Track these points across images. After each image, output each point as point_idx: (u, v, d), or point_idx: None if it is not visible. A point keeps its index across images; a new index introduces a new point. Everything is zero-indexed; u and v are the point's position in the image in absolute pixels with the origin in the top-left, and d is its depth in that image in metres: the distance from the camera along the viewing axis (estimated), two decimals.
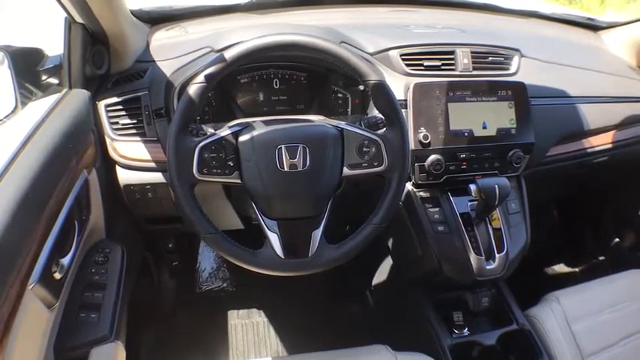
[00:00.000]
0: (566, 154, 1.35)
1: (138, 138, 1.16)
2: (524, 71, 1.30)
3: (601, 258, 1.82)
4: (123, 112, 1.15)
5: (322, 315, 1.69)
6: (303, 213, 0.98)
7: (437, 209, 1.21)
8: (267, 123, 0.99)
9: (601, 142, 1.40)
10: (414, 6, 1.51)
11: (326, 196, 0.99)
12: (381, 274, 1.55)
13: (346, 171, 0.99)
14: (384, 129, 1.01)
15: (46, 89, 1.13)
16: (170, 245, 1.65)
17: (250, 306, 1.67)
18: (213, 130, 1.01)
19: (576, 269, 1.89)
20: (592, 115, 1.37)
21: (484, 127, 1.21)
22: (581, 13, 1.69)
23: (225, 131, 0.96)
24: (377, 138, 0.99)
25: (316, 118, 1.09)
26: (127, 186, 1.20)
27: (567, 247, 1.92)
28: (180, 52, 1.21)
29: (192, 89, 0.93)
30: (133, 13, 1.29)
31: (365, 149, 0.99)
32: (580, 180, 1.55)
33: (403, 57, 1.22)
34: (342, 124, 1.02)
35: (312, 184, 0.97)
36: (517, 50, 1.31)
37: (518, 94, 1.23)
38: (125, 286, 1.11)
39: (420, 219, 1.19)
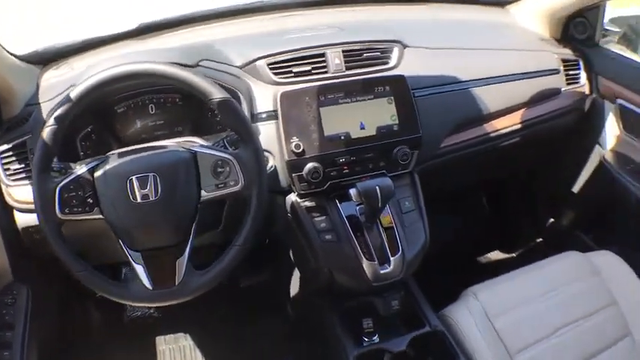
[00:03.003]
0: (465, 142, 1.29)
1: (27, 182, 1.16)
2: (407, 63, 1.25)
3: (538, 240, 1.74)
4: (13, 158, 1.16)
5: (247, 330, 1.68)
6: (164, 242, 0.98)
7: (323, 217, 1.17)
8: (120, 155, 0.99)
9: (508, 123, 1.34)
10: (300, 9, 1.46)
11: (186, 222, 0.98)
12: (295, 286, 1.52)
13: (204, 194, 0.98)
14: (239, 147, 1.00)
15: None
16: None
17: (177, 329, 1.67)
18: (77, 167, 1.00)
19: (514, 255, 1.81)
20: (494, 97, 1.32)
21: (362, 128, 1.16)
22: None
23: (82, 169, 0.96)
24: (229, 157, 0.97)
25: (171, 143, 1.08)
26: (25, 229, 1.21)
27: (503, 233, 1.84)
28: (57, 92, 1.21)
29: (45, 132, 0.94)
30: (21, 57, 1.30)
31: (219, 170, 0.98)
32: (497, 164, 1.49)
33: (271, 66, 1.18)
34: (196, 145, 1.01)
35: (168, 212, 0.96)
36: (397, 42, 1.26)
37: (398, 88, 1.18)
38: (34, 325, 1.15)
39: (306, 230, 1.16)
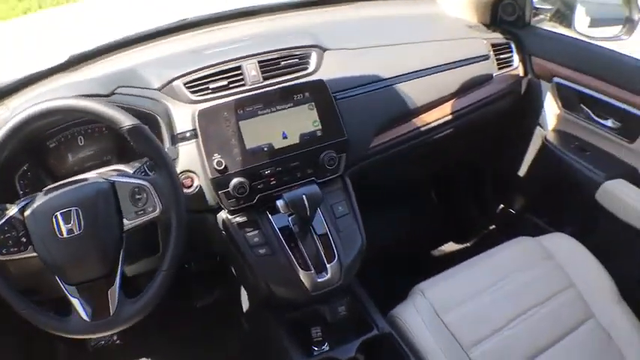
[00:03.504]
0: (397, 138, 1.27)
1: None
2: (327, 66, 1.23)
3: (492, 228, 1.72)
4: None
5: (205, 349, 1.67)
6: (95, 274, 0.98)
7: (256, 232, 1.15)
8: (46, 192, 0.99)
9: (440, 114, 1.33)
10: (221, 23, 1.44)
11: (112, 252, 0.98)
12: (246, 301, 1.51)
13: (126, 222, 0.97)
14: (155, 172, 1.00)
15: None
16: None
17: (140, 355, 1.66)
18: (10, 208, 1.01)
19: (468, 244, 1.79)
20: (423, 90, 1.30)
21: (285, 137, 1.15)
22: None
23: (13, 210, 0.96)
24: (145, 183, 0.97)
25: (93, 175, 1.08)
26: None
27: (455, 225, 1.82)
28: None
29: None
30: None
31: (137, 197, 0.97)
32: (436, 156, 1.47)
33: (187, 85, 1.17)
34: (115, 175, 1.01)
35: (93, 244, 0.96)
36: (315, 46, 1.25)
37: (318, 93, 1.17)
38: None
39: (239, 246, 1.14)
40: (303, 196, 1.05)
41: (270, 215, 1.16)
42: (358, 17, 1.46)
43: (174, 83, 1.18)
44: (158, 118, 1.15)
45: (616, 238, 1.40)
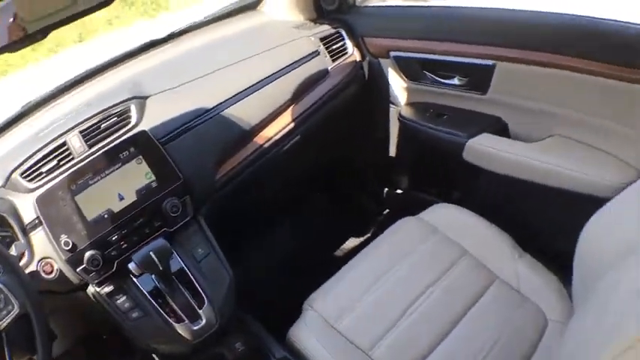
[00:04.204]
0: (242, 162, 1.27)
1: None
2: (150, 114, 1.22)
3: (385, 212, 1.70)
4: None
5: None
6: None
7: (124, 297, 1.14)
8: None
9: (281, 126, 1.33)
10: (58, 98, 1.39)
11: None
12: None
13: None
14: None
15: None
16: None
17: None
18: None
19: (369, 235, 1.77)
20: (259, 104, 1.30)
21: (121, 199, 1.14)
22: None
23: None
24: None
25: None
26: None
27: (350, 220, 1.80)
28: None
29: None
30: None
31: None
32: (298, 164, 1.45)
33: (23, 175, 1.16)
34: None
35: None
36: (133, 98, 1.23)
37: (142, 144, 1.16)
38: None
39: (112, 315, 1.14)
40: (150, 253, 1.05)
41: (134, 278, 1.15)
42: (183, 51, 1.43)
43: (13, 176, 1.17)
44: (6, 216, 1.14)
45: (498, 193, 1.39)
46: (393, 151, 1.62)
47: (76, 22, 0.81)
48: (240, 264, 1.34)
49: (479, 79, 1.33)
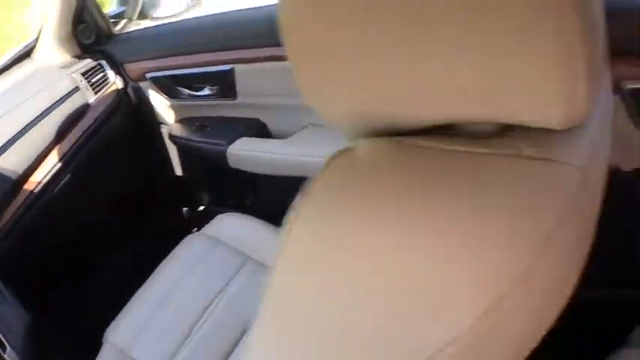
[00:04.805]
0: (17, 212, 1.28)
1: None
2: None
3: (194, 231, 1.73)
4: None
5: None
6: None
7: None
8: None
9: (45, 170, 1.33)
10: None
11: None
12: None
13: None
14: None
15: None
16: None
17: None
18: None
19: None
20: (21, 152, 1.30)
21: None
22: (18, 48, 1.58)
23: None
24: None
25: None
26: None
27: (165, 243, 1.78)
28: None
29: None
30: None
31: None
32: (85, 203, 1.48)
33: None
34: None
35: None
36: None
37: None
38: None
39: None
40: None
41: None
42: None
43: None
44: None
45: (270, 193, 1.43)
46: (178, 170, 1.68)
47: None
48: (55, 306, 1.37)
49: (225, 85, 1.40)
